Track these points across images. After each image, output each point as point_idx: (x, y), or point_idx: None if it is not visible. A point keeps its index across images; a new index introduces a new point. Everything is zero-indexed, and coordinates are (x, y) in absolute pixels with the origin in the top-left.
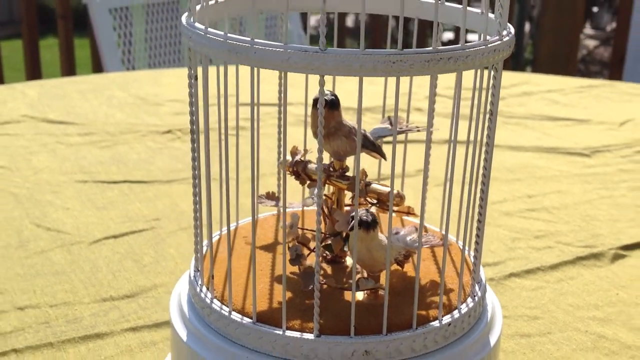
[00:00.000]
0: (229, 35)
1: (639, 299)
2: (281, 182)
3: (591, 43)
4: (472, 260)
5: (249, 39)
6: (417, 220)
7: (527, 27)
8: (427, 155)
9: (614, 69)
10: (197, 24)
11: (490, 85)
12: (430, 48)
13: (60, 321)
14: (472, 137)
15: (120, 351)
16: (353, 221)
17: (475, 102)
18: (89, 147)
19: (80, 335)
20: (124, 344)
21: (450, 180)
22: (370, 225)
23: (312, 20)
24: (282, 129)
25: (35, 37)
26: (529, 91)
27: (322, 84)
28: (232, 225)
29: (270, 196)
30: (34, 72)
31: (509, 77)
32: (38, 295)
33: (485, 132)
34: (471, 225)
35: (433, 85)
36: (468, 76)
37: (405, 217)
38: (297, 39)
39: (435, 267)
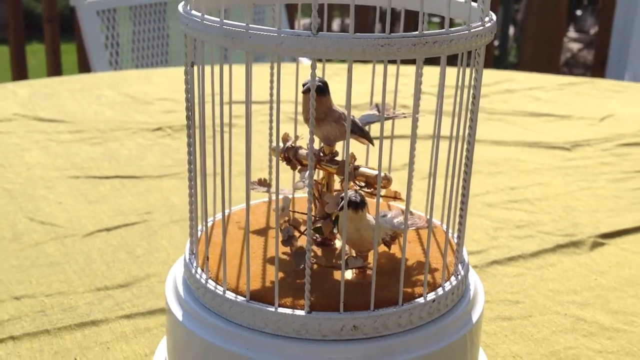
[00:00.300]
0: (224, 21)
1: (616, 284)
2: (273, 167)
3: (575, 46)
4: (456, 241)
5: (243, 24)
6: (403, 205)
7: (511, 30)
8: (414, 133)
9: (596, 71)
10: (193, 12)
11: (473, 70)
12: (417, 32)
13: (55, 309)
14: (456, 127)
15: (116, 337)
16: (342, 202)
17: (458, 96)
18: (80, 144)
19: (76, 323)
20: (118, 330)
21: (436, 160)
22: (358, 205)
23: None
24: (275, 114)
25: (22, 42)
26: (511, 88)
27: (313, 67)
28: (225, 212)
29: (262, 182)
30: (20, 77)
31: (492, 75)
32: (34, 285)
33: (468, 124)
34: (455, 210)
35: (419, 68)
36: (451, 74)
37: (392, 202)
38: None
39: (420, 249)
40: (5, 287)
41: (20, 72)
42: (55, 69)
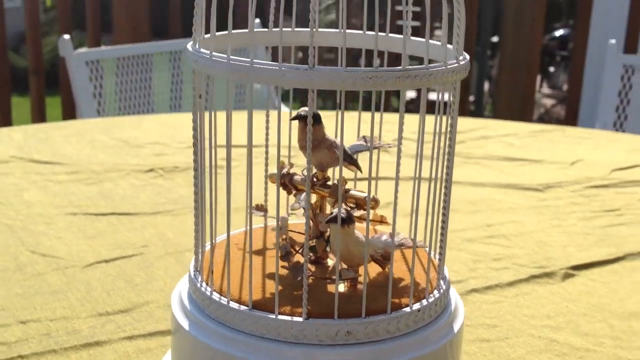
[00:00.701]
0: (231, 57)
1: (586, 310)
2: (269, 193)
3: (548, 102)
4: (437, 261)
5: (248, 60)
6: (389, 228)
7: (486, 86)
8: (399, 150)
9: (568, 124)
10: (202, 50)
11: (450, 102)
12: (400, 67)
13: (60, 332)
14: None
15: (119, 356)
16: (331, 215)
17: (433, 122)
18: (76, 184)
19: (81, 344)
20: (121, 350)
21: (418, 179)
22: (345, 220)
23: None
24: (272, 134)
25: (8, 95)
26: (486, 135)
27: (311, 97)
28: (224, 237)
29: (259, 208)
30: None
31: (468, 123)
32: (38, 311)
33: (447, 151)
34: (436, 233)
35: (403, 97)
36: (430, 121)
37: (378, 226)
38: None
39: (405, 267)
40: (10, 312)
41: (5, 124)
42: (40, 120)
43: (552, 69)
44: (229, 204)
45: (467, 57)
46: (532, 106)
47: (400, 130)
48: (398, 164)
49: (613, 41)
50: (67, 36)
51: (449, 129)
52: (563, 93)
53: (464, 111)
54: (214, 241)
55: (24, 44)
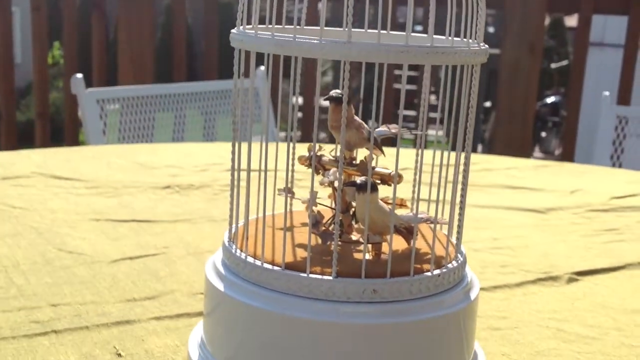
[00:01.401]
0: (275, 34)
1: (591, 307)
2: (297, 176)
3: None
4: (455, 239)
5: (291, 35)
6: (407, 211)
7: (479, 148)
8: (424, 123)
9: None
10: (247, 30)
11: (472, 82)
12: (429, 44)
13: (91, 314)
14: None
15: (148, 333)
16: (353, 181)
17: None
18: (96, 197)
19: (112, 321)
20: (150, 328)
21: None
22: (371, 187)
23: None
24: (293, 119)
25: (14, 143)
26: (489, 168)
27: (347, 69)
28: (254, 217)
29: (287, 190)
30: None
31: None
32: (68, 296)
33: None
34: (454, 216)
35: (429, 71)
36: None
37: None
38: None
39: (425, 242)
40: (41, 297)
41: None
42: None
43: (544, 134)
44: (265, 175)
45: (487, 46)
46: (527, 156)
47: (425, 106)
48: (422, 139)
49: (607, 93)
50: (79, 75)
51: (469, 107)
52: (555, 157)
53: None
54: (247, 214)
55: (22, 99)
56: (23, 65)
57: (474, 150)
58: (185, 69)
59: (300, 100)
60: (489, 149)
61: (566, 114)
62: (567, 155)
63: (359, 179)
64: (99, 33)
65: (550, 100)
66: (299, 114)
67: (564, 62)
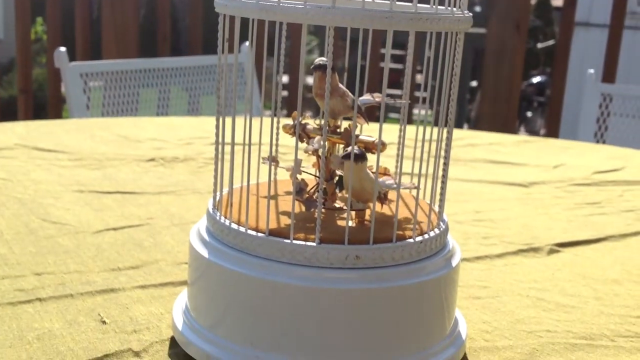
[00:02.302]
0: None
1: (571, 277)
2: (282, 142)
3: None
4: (438, 207)
5: (275, 1)
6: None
7: (465, 127)
8: (407, 93)
9: None
10: None
11: (455, 50)
12: (414, 10)
13: (75, 283)
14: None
15: (133, 301)
16: (346, 152)
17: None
18: (80, 169)
19: (96, 290)
20: (135, 296)
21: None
22: (360, 157)
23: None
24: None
25: None
26: (473, 143)
27: (331, 34)
28: (237, 185)
29: (271, 158)
30: None
31: (455, 133)
32: (52, 266)
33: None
34: (436, 186)
35: (412, 38)
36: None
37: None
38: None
39: (408, 210)
40: (25, 266)
41: None
42: None
43: (529, 113)
44: (250, 145)
45: (471, 13)
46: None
47: (409, 74)
48: (405, 107)
49: (591, 71)
50: (63, 48)
51: (452, 74)
52: (540, 137)
53: None
54: (231, 181)
55: (5, 76)
56: (6, 41)
57: (460, 127)
58: (169, 45)
59: (285, 78)
60: (475, 128)
61: (551, 94)
62: (552, 135)
63: (357, 150)
64: (83, 8)
65: (536, 80)
66: (284, 93)
67: (550, 42)
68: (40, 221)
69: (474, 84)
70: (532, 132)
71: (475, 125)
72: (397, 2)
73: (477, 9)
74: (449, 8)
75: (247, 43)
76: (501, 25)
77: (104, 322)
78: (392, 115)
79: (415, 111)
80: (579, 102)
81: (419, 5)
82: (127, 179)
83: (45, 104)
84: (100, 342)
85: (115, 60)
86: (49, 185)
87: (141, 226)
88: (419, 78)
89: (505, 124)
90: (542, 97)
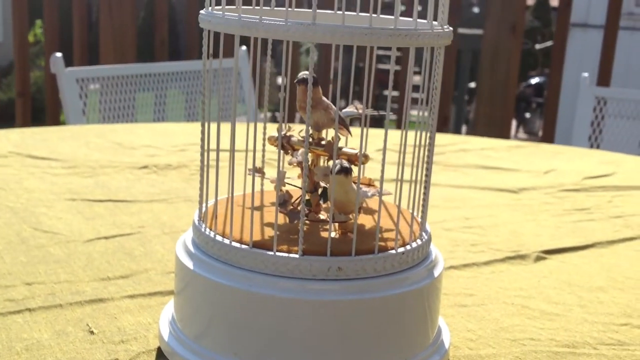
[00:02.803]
0: (241, 15)
1: (556, 284)
2: (267, 154)
3: None
4: (420, 217)
5: (257, 17)
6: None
7: (464, 129)
8: (389, 105)
9: None
10: (214, 12)
11: (435, 65)
12: (393, 27)
13: (65, 292)
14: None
15: (121, 311)
16: (334, 167)
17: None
18: (73, 177)
19: (85, 300)
20: (124, 306)
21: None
22: (348, 170)
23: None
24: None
25: None
26: (465, 148)
27: (312, 49)
28: (223, 197)
29: (257, 170)
30: None
31: (448, 138)
32: (42, 275)
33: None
34: (419, 197)
35: (394, 54)
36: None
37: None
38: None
39: (391, 220)
40: (16, 276)
41: None
42: None
43: (527, 115)
44: (233, 154)
45: (451, 28)
46: (507, 137)
47: (390, 87)
48: (387, 117)
49: (586, 74)
50: (59, 54)
51: (433, 88)
52: (539, 138)
53: None
54: (217, 193)
55: (4, 78)
56: (4, 44)
57: (459, 131)
58: (167, 49)
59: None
60: (472, 129)
61: (547, 95)
62: (548, 136)
63: (345, 164)
64: (80, 11)
65: (534, 81)
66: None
67: (549, 43)
68: (32, 230)
69: (472, 85)
70: (531, 133)
71: (473, 127)
72: (381, 16)
73: (475, 9)
74: (429, 22)
75: (244, 48)
76: (497, 28)
77: (92, 333)
78: (382, 112)
79: (411, 112)
80: (576, 104)
81: (400, 19)
82: (119, 186)
83: (44, 106)
84: (88, 352)
85: (111, 65)
86: (42, 193)
87: (132, 235)
88: (417, 79)
89: (502, 126)
90: (541, 98)
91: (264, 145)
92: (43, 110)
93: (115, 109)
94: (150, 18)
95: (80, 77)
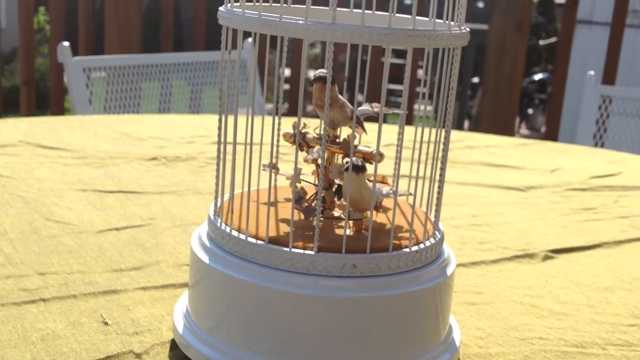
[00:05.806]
0: (262, 13)
1: (564, 284)
2: (282, 151)
3: None
4: (434, 217)
5: (277, 15)
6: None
7: (466, 124)
8: (405, 101)
9: None
10: (234, 9)
11: (452, 64)
12: (411, 27)
13: (78, 283)
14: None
15: (135, 303)
16: (348, 164)
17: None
18: (83, 167)
19: (99, 291)
20: (137, 298)
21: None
22: (360, 168)
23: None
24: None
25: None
26: (471, 145)
27: (331, 49)
28: (239, 191)
29: (272, 165)
30: None
31: (453, 134)
32: (55, 265)
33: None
34: (433, 195)
35: (410, 54)
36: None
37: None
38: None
39: (404, 219)
40: (29, 266)
41: None
42: None
43: (530, 110)
44: (251, 152)
45: (468, 29)
46: (511, 134)
47: (406, 87)
48: (403, 116)
49: (592, 72)
50: (66, 43)
51: (449, 88)
52: (541, 134)
53: None
54: (232, 188)
55: (7, 65)
56: (8, 30)
57: (461, 126)
58: (172, 39)
59: (287, 71)
60: (475, 125)
61: (551, 92)
62: (551, 133)
63: (358, 161)
64: (86, 0)
65: (537, 77)
66: (286, 86)
67: (553, 39)
68: (43, 220)
69: (475, 80)
70: (533, 129)
71: (476, 122)
72: (398, 15)
73: (480, 4)
74: (447, 22)
75: (250, 40)
76: (503, 24)
77: (106, 324)
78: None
79: (416, 106)
80: (580, 101)
81: (417, 18)
82: (129, 177)
83: (48, 94)
84: (103, 343)
85: (118, 55)
86: (53, 183)
87: (143, 226)
88: (420, 73)
89: (506, 122)
90: (544, 95)
91: (278, 140)
92: (46, 97)
93: (122, 98)
94: (155, 6)
95: (87, 67)
